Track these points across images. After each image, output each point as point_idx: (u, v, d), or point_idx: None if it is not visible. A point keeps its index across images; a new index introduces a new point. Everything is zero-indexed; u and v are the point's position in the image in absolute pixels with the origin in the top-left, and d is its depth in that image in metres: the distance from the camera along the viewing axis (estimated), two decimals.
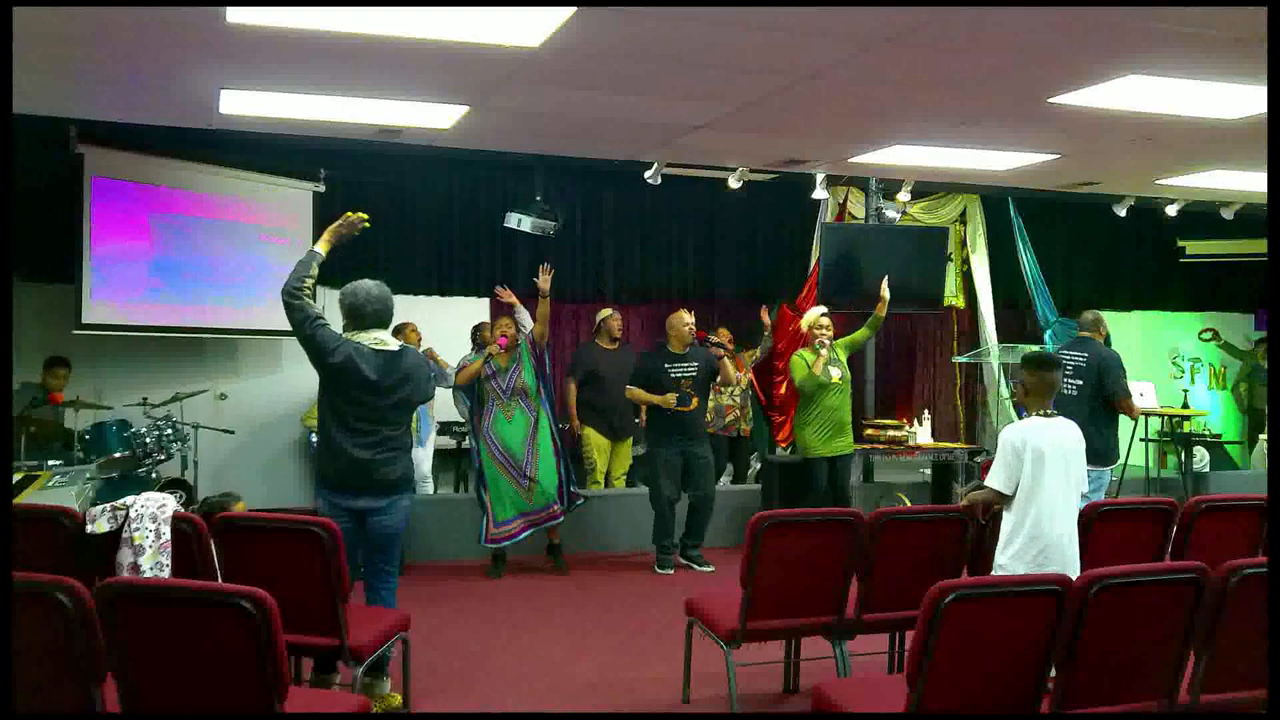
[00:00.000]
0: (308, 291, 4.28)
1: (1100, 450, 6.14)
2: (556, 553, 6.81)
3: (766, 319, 8.51)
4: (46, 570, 2.96)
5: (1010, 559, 3.81)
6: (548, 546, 6.82)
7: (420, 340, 7.54)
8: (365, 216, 4.53)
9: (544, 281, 6.35)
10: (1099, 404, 6.41)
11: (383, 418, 4.30)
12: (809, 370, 6.63)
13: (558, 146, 7.50)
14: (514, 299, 6.56)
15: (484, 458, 6.54)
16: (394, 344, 4.38)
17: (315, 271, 4.33)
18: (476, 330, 7.72)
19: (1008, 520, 3.87)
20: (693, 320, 6.89)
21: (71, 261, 6.99)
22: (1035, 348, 9.59)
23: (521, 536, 6.58)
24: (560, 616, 5.84)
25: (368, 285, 4.36)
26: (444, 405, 8.08)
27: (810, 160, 7.78)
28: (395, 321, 7.05)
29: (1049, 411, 3.92)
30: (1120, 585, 3.06)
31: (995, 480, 3.86)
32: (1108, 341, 6.68)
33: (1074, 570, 3.75)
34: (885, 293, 6.99)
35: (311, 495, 6.11)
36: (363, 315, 4.32)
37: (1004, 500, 3.87)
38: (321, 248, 4.40)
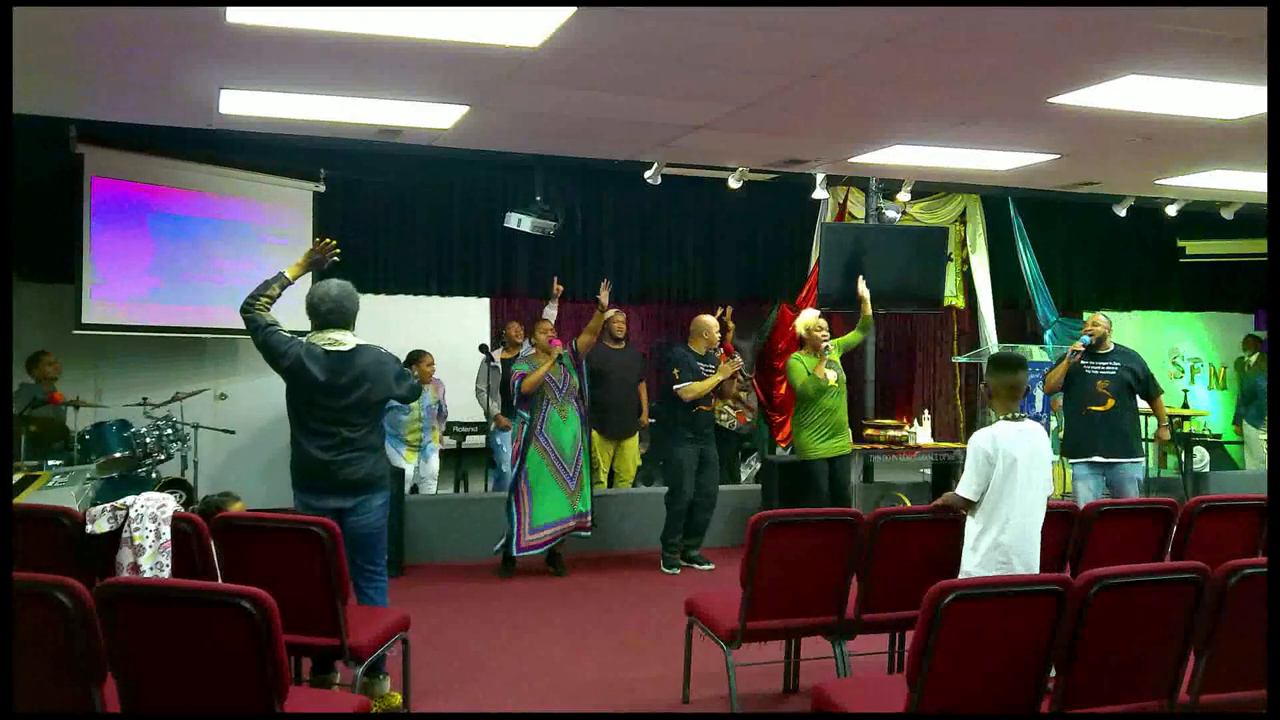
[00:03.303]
0: (260, 305, 4.30)
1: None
2: (556, 561, 6.80)
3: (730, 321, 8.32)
4: (46, 570, 2.96)
5: (976, 565, 3.77)
6: (548, 555, 6.81)
7: (434, 372, 7.45)
8: (334, 243, 4.56)
9: (604, 297, 6.57)
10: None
11: (341, 419, 4.27)
12: (809, 374, 6.63)
13: (557, 146, 7.50)
14: (559, 291, 6.64)
15: (532, 460, 6.49)
16: (349, 343, 4.27)
17: (276, 291, 4.35)
18: (500, 331, 7.70)
19: (973, 525, 3.82)
20: (718, 327, 7.05)
21: (71, 261, 7.00)
22: (1035, 347, 9.60)
23: (550, 545, 6.60)
24: (560, 617, 5.84)
25: (326, 285, 4.33)
26: (453, 407, 8.07)
27: (810, 160, 7.78)
28: (412, 347, 7.15)
29: (1017, 415, 3.84)
30: (1120, 585, 3.05)
31: (965, 488, 3.79)
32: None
33: (1033, 571, 3.73)
34: (864, 291, 7.12)
35: None
36: (318, 315, 4.29)
37: (970, 507, 3.81)
38: (290, 272, 4.41)
